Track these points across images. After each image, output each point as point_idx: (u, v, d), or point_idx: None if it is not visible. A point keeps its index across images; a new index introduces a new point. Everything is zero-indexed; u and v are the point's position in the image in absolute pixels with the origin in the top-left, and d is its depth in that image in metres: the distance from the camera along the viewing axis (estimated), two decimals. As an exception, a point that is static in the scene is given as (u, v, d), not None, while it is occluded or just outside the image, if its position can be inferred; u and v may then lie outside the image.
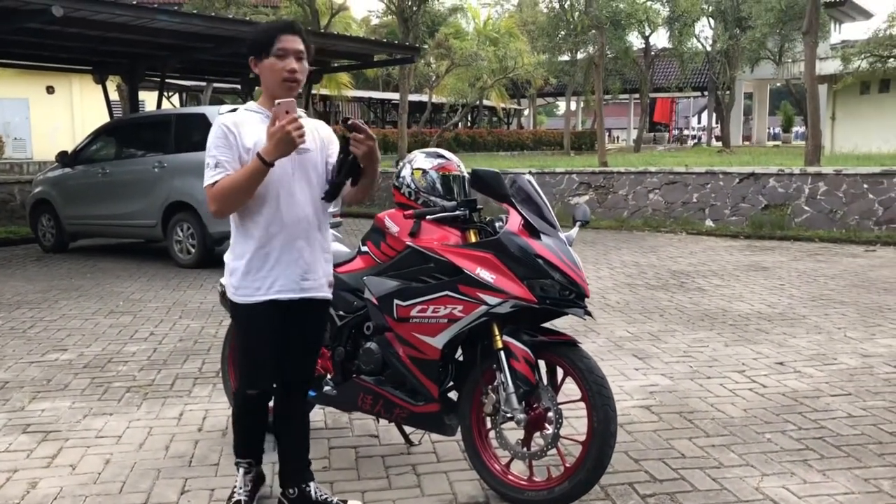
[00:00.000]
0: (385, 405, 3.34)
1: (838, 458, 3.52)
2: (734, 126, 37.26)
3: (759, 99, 44.94)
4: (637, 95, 37.45)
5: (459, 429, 3.25)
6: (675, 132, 53.61)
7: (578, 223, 3.33)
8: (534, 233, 3.03)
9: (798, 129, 49.06)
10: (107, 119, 13.71)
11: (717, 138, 39.12)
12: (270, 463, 3.34)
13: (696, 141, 49.38)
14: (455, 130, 32.42)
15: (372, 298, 3.34)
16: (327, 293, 2.99)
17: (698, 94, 45.73)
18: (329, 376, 3.52)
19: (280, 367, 2.95)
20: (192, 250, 9.18)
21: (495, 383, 3.09)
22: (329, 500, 3.02)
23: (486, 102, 36.46)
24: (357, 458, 3.59)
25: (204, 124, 8.96)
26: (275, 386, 3.03)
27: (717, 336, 5.75)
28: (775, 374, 4.79)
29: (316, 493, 3.02)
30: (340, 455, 3.62)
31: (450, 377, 3.28)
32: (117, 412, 4.25)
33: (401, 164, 3.51)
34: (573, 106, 39.73)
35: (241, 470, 3.09)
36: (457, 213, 3.21)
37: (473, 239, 3.20)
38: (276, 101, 2.64)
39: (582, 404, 2.99)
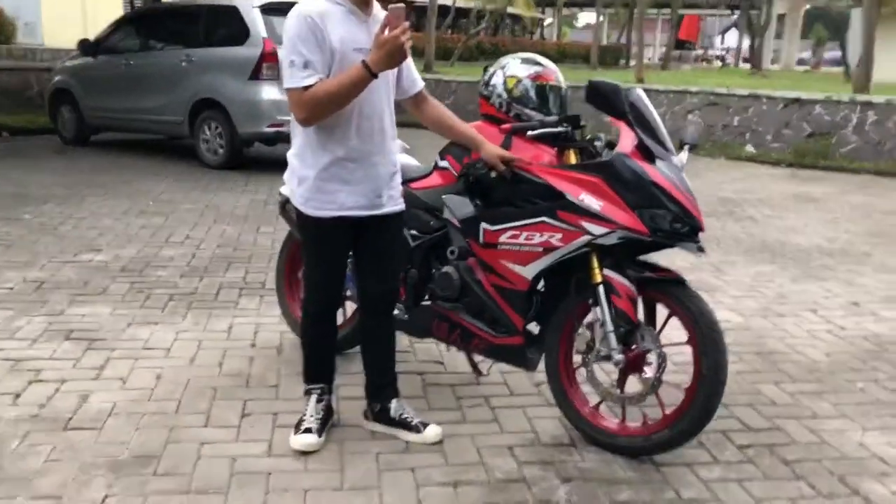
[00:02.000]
0: (462, 334, 3.09)
1: (940, 413, 3.29)
2: (765, 48, 36.03)
3: (792, 20, 43.41)
4: (666, 10, 36.08)
5: (544, 364, 3.01)
6: (700, 51, 52.13)
7: (687, 146, 3.00)
8: (648, 156, 2.71)
9: (829, 53, 47.55)
10: (118, 9, 13.13)
11: (745, 60, 37.94)
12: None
13: (722, 62, 48.04)
14: (477, 38, 31.42)
15: (453, 219, 3.05)
16: (401, 205, 2.80)
17: (729, 12, 44.18)
18: (401, 299, 3.26)
19: (343, 283, 2.91)
20: (220, 150, 8.84)
21: (590, 319, 2.84)
22: (409, 420, 2.89)
23: (509, 10, 35.24)
24: (425, 386, 3.38)
25: (236, 18, 8.51)
26: (359, 301, 2.94)
27: (781, 270, 5.47)
28: (851, 316, 4.53)
29: (396, 411, 2.90)
30: (407, 381, 3.40)
31: (534, 308, 3.02)
32: (162, 322, 4.02)
33: (490, 69, 3.15)
34: (599, 18, 38.39)
35: (314, 397, 2.88)
36: (559, 129, 2.88)
37: (573, 160, 2.88)
38: (390, 6, 2.38)
39: (682, 347, 2.75)
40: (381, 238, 2.77)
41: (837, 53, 36.47)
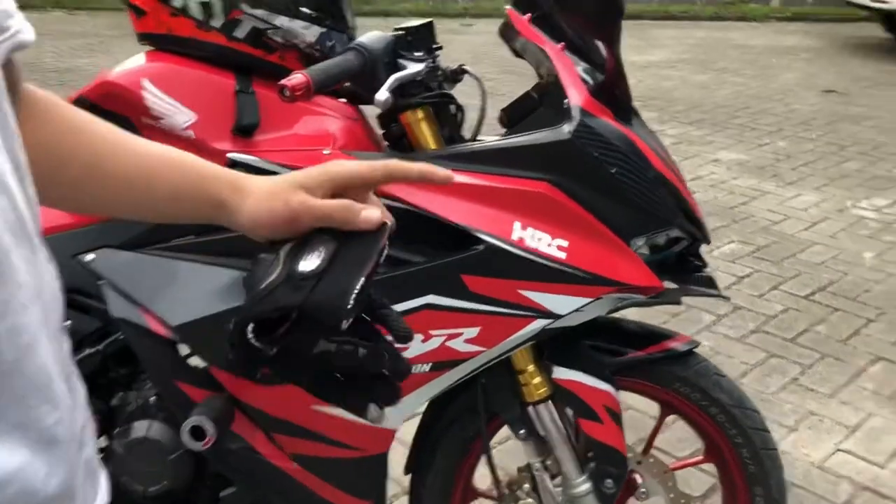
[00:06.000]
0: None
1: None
2: None
3: None
4: None
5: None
6: None
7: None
8: (622, 114, 1.21)
9: None
10: None
11: None
12: None
13: None
14: None
15: (147, 322, 1.19)
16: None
17: None
18: None
19: None
20: None
21: (535, 467, 1.35)
22: None
23: None
24: None
25: None
26: None
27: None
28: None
29: None
30: None
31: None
32: None
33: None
34: None
35: None
36: (421, 67, 1.18)
37: (430, 137, 1.22)
38: None
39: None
40: None
41: None
